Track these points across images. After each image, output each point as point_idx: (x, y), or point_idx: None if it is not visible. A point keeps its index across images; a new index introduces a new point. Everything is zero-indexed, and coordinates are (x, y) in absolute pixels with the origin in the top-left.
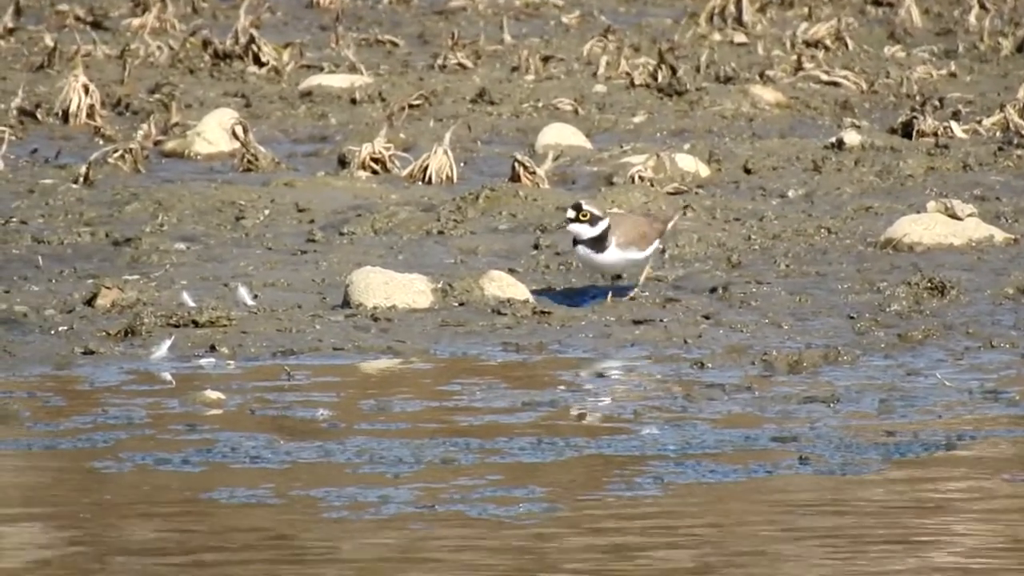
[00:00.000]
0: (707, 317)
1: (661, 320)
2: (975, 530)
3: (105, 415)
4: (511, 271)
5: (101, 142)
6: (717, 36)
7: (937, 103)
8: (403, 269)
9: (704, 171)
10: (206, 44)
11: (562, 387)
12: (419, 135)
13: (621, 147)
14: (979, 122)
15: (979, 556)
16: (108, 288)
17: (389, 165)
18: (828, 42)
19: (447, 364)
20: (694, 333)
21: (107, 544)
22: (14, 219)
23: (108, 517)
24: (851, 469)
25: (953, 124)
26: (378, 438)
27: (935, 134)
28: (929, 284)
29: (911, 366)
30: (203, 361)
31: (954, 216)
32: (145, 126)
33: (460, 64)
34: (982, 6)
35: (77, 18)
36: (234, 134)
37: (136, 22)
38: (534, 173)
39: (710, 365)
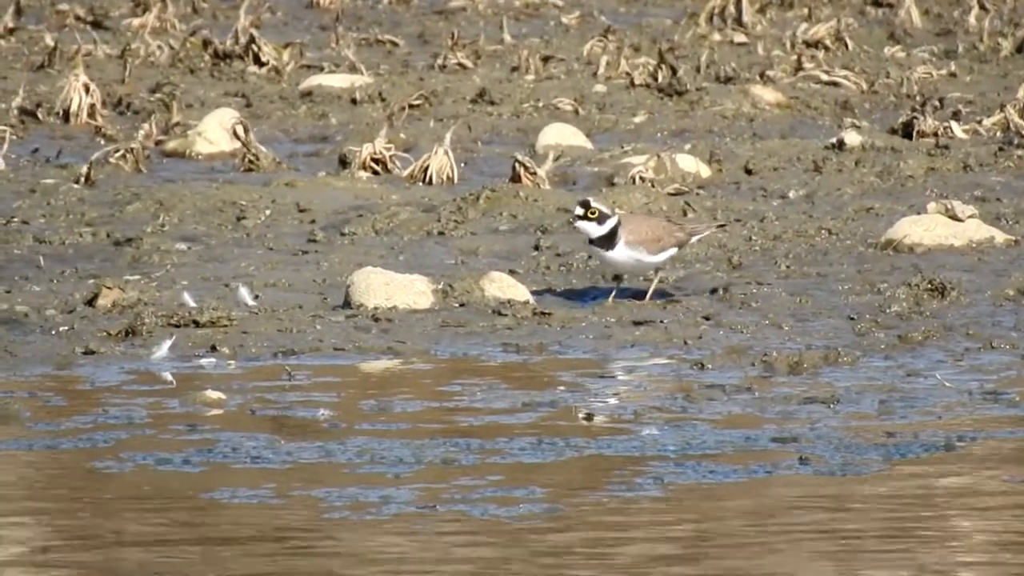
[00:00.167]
0: (707, 318)
1: (661, 321)
2: (975, 531)
3: (106, 415)
4: (511, 272)
5: (102, 142)
6: (717, 36)
7: (937, 103)
8: (404, 270)
9: (705, 171)
10: (206, 44)
11: (562, 388)
12: (419, 135)
13: (622, 147)
14: (979, 122)
15: (979, 557)
16: (109, 288)
17: (390, 165)
18: (828, 42)
19: (448, 365)
20: (694, 334)
21: (106, 545)
22: (15, 219)
23: (108, 518)
24: (851, 470)
25: (953, 124)
26: (379, 438)
27: (935, 134)
28: (929, 285)
29: (911, 367)
30: (204, 361)
31: (955, 217)
32: (146, 126)
33: (460, 64)
34: (982, 7)
35: (77, 18)
36: (235, 134)
37: (136, 22)
38: (535, 173)
39: (710, 366)
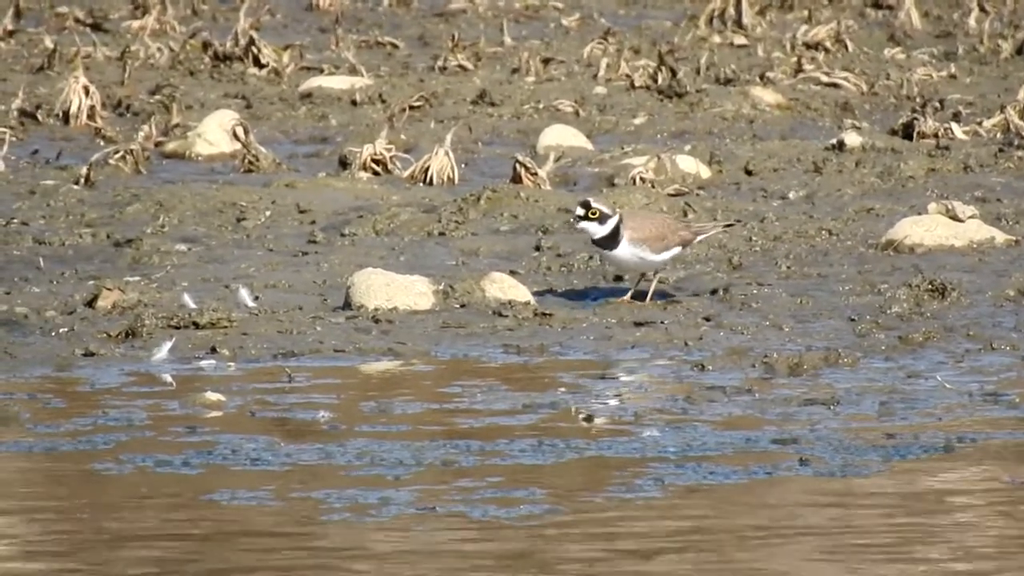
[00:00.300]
0: (708, 319)
1: (662, 322)
2: (975, 532)
3: (105, 417)
4: (512, 273)
5: (102, 143)
6: (717, 38)
7: (937, 105)
8: (404, 270)
9: (705, 172)
10: (206, 46)
11: (563, 389)
12: (420, 136)
13: (622, 148)
14: (979, 123)
15: (979, 558)
16: (109, 289)
17: (390, 166)
18: (828, 44)
19: (448, 366)
20: (695, 335)
21: (105, 546)
22: (15, 220)
23: (107, 520)
24: (851, 471)
25: (954, 125)
26: (379, 440)
27: (936, 135)
28: (930, 286)
29: (912, 368)
30: (204, 363)
31: (955, 218)
32: (146, 127)
33: (460, 66)
34: (982, 8)
35: (77, 20)
36: (235, 135)
37: (136, 24)
38: (535, 174)
39: (711, 367)
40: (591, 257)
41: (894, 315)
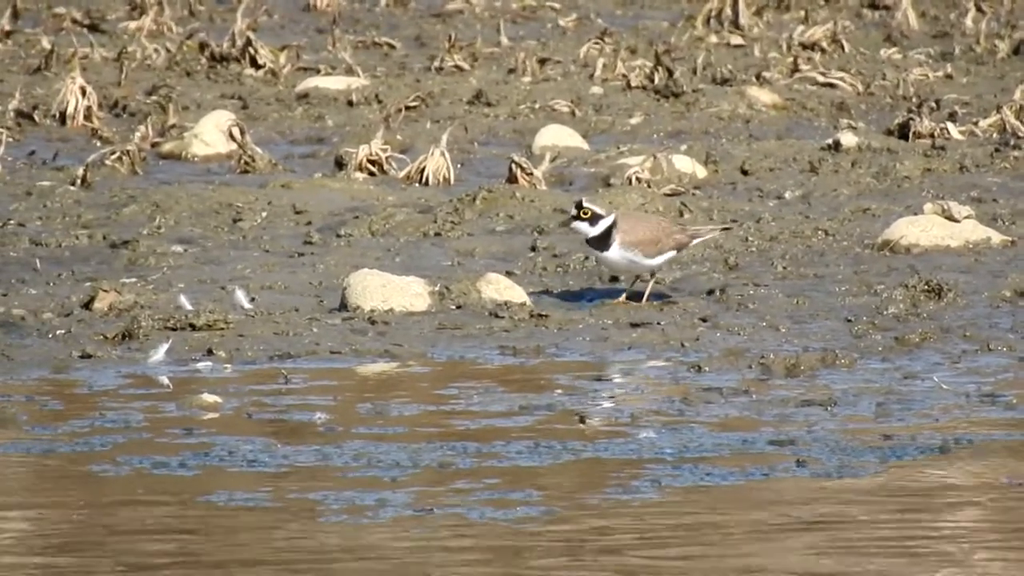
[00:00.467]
0: (704, 320)
1: (658, 323)
2: (972, 533)
3: (103, 419)
4: (508, 273)
5: (98, 144)
6: (713, 38)
7: (934, 105)
8: (400, 271)
9: (701, 172)
10: (203, 47)
11: (559, 391)
12: (416, 137)
13: (618, 148)
14: (976, 124)
15: (977, 559)
16: (106, 291)
17: (386, 167)
18: (824, 44)
19: (444, 367)
20: (691, 336)
21: (103, 547)
22: (11, 221)
23: (104, 521)
24: (848, 472)
25: (950, 126)
26: (375, 442)
27: (932, 136)
28: (926, 286)
29: (908, 369)
30: (200, 365)
31: (951, 218)
32: (142, 128)
33: (457, 66)
34: (978, 8)
35: (74, 21)
36: (231, 136)
37: (133, 25)
38: (531, 174)
39: (707, 368)
40: (587, 258)
41: (890, 316)
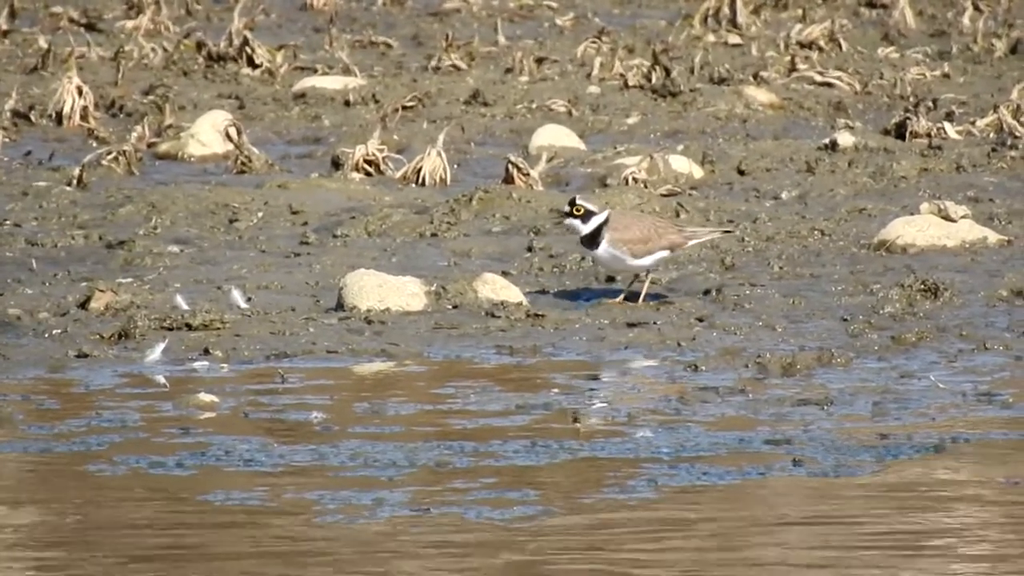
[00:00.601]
0: (701, 319)
1: (655, 323)
2: (969, 532)
3: (99, 418)
4: (504, 273)
5: (95, 144)
6: (711, 37)
7: (931, 104)
8: (396, 271)
9: (698, 172)
10: (200, 46)
11: (556, 390)
12: (412, 137)
13: (615, 148)
14: (972, 123)
15: (974, 558)
16: (102, 291)
17: (382, 167)
18: (822, 43)
19: (441, 367)
20: (688, 336)
21: (101, 548)
22: (8, 222)
23: (102, 520)
24: (844, 471)
25: (946, 125)
26: (372, 441)
27: (928, 135)
28: (922, 286)
29: (904, 368)
30: (197, 364)
31: (947, 218)
32: (139, 128)
33: (454, 66)
34: (976, 8)
35: (71, 20)
36: (228, 136)
37: (130, 24)
38: (528, 175)
39: (704, 368)
40: (583, 258)
41: (887, 315)
